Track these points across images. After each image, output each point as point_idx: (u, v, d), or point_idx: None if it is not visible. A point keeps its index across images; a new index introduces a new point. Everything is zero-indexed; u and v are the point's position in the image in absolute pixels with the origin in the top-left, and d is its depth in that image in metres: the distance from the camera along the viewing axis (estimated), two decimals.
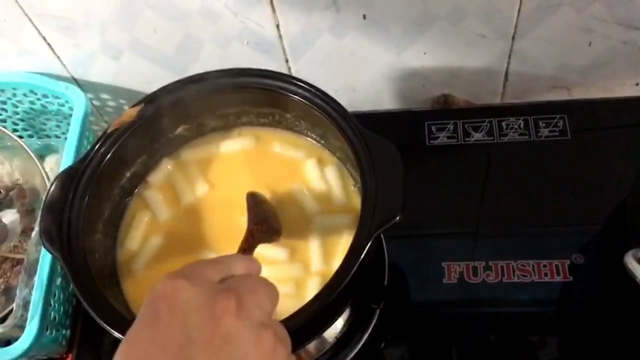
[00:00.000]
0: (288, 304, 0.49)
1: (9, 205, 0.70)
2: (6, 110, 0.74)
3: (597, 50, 0.69)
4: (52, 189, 0.53)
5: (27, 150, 0.66)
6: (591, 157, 0.69)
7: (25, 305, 0.59)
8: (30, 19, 0.66)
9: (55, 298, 0.62)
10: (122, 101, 0.79)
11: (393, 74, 0.74)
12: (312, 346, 0.58)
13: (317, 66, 0.72)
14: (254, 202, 0.53)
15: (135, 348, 0.32)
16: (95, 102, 0.79)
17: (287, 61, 0.72)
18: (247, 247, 0.49)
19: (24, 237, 0.67)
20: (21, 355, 0.57)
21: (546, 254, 0.63)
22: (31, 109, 0.74)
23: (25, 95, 0.72)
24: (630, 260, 0.53)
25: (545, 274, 0.62)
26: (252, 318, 0.33)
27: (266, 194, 0.58)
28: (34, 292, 0.59)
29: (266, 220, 0.52)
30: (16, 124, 0.76)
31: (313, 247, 0.55)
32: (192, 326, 0.31)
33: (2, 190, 0.70)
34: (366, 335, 0.59)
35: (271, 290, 0.37)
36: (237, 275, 0.37)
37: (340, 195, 0.57)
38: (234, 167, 0.60)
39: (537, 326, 0.61)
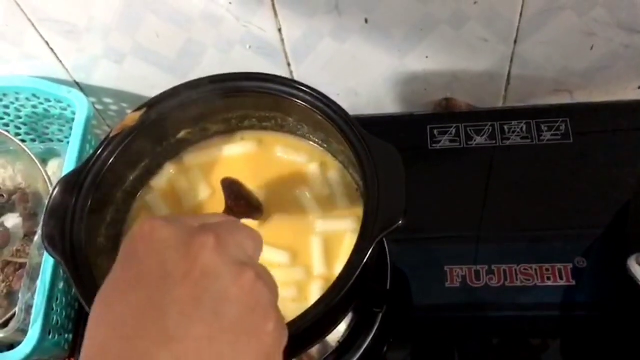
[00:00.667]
0: (290, 308, 0.49)
1: (12, 210, 0.70)
2: (9, 115, 0.75)
3: (599, 54, 0.69)
4: (54, 193, 0.53)
5: (29, 155, 0.66)
6: (594, 161, 0.69)
7: (28, 309, 0.59)
8: (32, 24, 0.67)
9: (58, 302, 0.62)
10: (124, 105, 0.79)
11: (395, 77, 0.74)
12: (314, 350, 0.57)
13: (319, 70, 0.72)
14: (229, 184, 0.53)
15: (113, 286, 0.31)
16: (98, 106, 0.79)
17: (289, 65, 0.72)
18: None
19: (27, 241, 0.67)
20: None
21: (549, 258, 0.63)
22: (34, 113, 0.74)
23: (27, 99, 0.72)
24: (633, 265, 0.53)
25: (548, 278, 0.62)
26: (231, 254, 0.32)
27: (268, 197, 0.58)
28: (36, 296, 0.59)
29: (243, 198, 0.52)
30: (19, 128, 0.76)
31: (315, 251, 0.55)
32: (169, 261, 0.30)
33: (4, 195, 0.70)
34: (369, 339, 0.59)
35: (253, 233, 0.36)
36: (219, 221, 0.36)
37: (342, 199, 0.57)
38: (237, 171, 0.60)
39: (540, 330, 0.61)
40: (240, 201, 0.51)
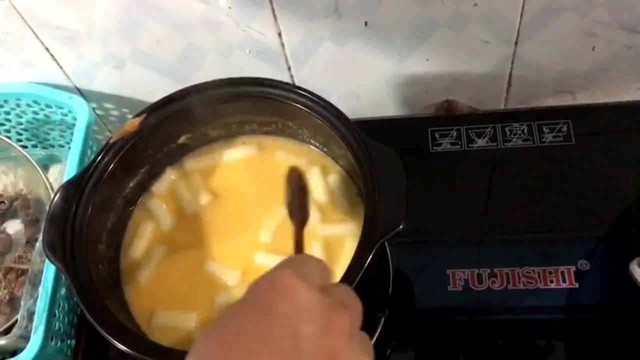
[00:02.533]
0: None
1: (14, 216, 0.70)
2: (10, 121, 0.75)
3: (601, 55, 0.69)
4: (55, 199, 0.53)
5: (30, 161, 0.66)
6: (596, 163, 0.69)
7: (30, 316, 0.59)
8: (33, 30, 0.67)
9: (60, 308, 0.62)
10: (125, 110, 0.79)
11: (396, 80, 0.74)
12: None
13: (320, 73, 0.72)
14: (293, 176, 0.48)
15: (242, 332, 0.30)
16: (99, 112, 0.80)
17: (289, 69, 0.72)
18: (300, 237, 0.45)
19: (29, 248, 0.67)
20: None
21: (552, 261, 0.63)
22: (35, 119, 0.74)
23: (28, 105, 0.72)
24: (635, 269, 0.52)
25: (551, 281, 0.62)
26: (359, 342, 0.32)
27: (269, 203, 0.57)
28: (38, 302, 0.59)
29: (304, 208, 0.47)
30: (20, 134, 0.76)
31: (316, 256, 0.54)
32: (304, 334, 0.30)
33: (6, 201, 0.70)
34: (371, 343, 0.58)
35: (359, 302, 0.35)
36: (333, 285, 0.35)
37: (343, 203, 0.57)
38: (237, 176, 0.60)
39: (543, 333, 0.60)
40: (302, 213, 0.47)
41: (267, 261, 0.54)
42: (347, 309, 0.32)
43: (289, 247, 0.55)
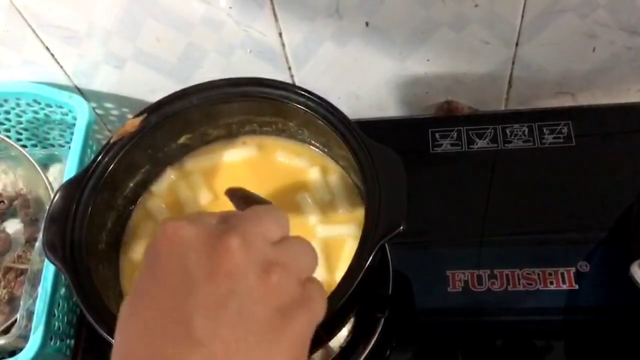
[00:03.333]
0: None
1: (13, 215, 0.70)
2: (10, 120, 0.75)
3: (602, 56, 0.69)
4: (55, 199, 0.53)
5: (30, 160, 0.66)
6: (596, 164, 0.69)
7: (29, 315, 0.59)
8: (33, 29, 0.67)
9: (59, 308, 0.62)
10: (125, 110, 0.79)
11: (396, 80, 0.74)
12: (317, 356, 0.57)
13: (320, 74, 0.72)
14: (234, 192, 0.50)
15: (138, 291, 0.31)
16: (99, 111, 0.79)
17: (289, 69, 0.72)
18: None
19: (28, 247, 0.67)
20: None
21: (552, 262, 0.63)
22: (35, 118, 0.74)
23: (28, 104, 0.72)
24: (636, 271, 0.52)
25: (551, 282, 0.62)
26: (256, 252, 0.31)
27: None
28: (37, 302, 0.59)
29: (253, 200, 0.48)
30: (20, 134, 0.76)
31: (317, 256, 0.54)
32: (192, 263, 0.30)
33: (5, 200, 0.70)
34: (371, 344, 0.59)
35: (279, 215, 0.35)
36: (238, 212, 0.35)
37: (343, 204, 0.57)
38: (238, 176, 0.60)
39: (543, 334, 0.60)
40: (251, 204, 0.50)
41: None
42: (233, 227, 0.32)
43: None
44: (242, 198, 0.50)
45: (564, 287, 0.61)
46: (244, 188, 0.52)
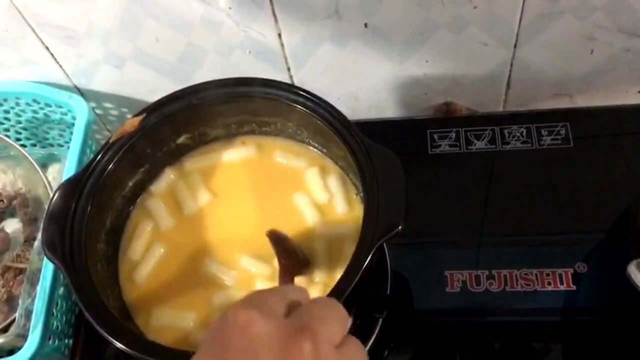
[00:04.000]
0: None
1: (12, 214, 0.70)
2: (9, 120, 0.75)
3: (600, 58, 0.69)
4: (54, 198, 0.53)
5: (29, 160, 0.66)
6: (594, 165, 0.69)
7: (28, 314, 0.59)
8: (33, 29, 0.67)
9: (58, 307, 0.62)
10: (124, 110, 0.79)
11: (395, 82, 0.74)
12: None
13: (319, 74, 0.72)
14: (277, 238, 0.53)
15: None
16: (98, 111, 0.80)
17: (289, 70, 0.72)
18: (285, 283, 0.49)
19: (27, 247, 0.67)
20: None
21: (549, 263, 0.63)
22: (34, 118, 0.74)
23: (28, 104, 0.73)
24: (633, 271, 0.53)
25: (549, 283, 0.62)
26: (323, 358, 0.31)
27: (269, 203, 0.58)
28: (36, 301, 0.59)
29: (295, 254, 0.52)
30: (19, 133, 0.76)
31: (315, 257, 0.55)
32: None
33: (5, 200, 0.70)
34: (369, 344, 0.59)
35: (342, 313, 0.35)
36: (305, 305, 0.34)
37: (342, 204, 0.57)
38: (236, 176, 0.60)
39: (541, 335, 0.60)
40: (293, 259, 0.51)
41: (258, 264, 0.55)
42: (307, 329, 0.31)
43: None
44: (286, 250, 0.51)
45: (562, 287, 0.61)
46: (288, 237, 0.53)
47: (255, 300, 0.32)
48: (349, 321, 0.35)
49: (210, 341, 0.31)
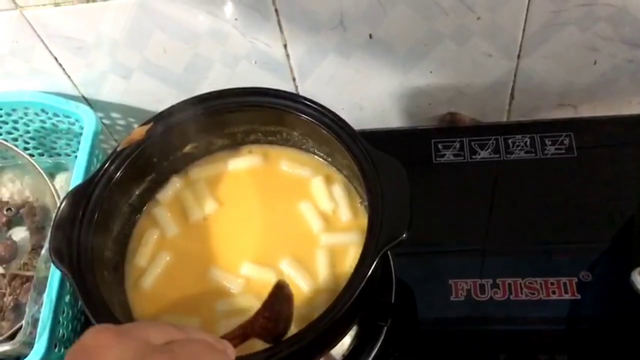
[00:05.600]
0: (296, 321, 0.49)
1: (19, 223, 0.70)
2: (17, 129, 0.75)
3: (603, 69, 0.69)
4: (62, 207, 0.53)
5: (37, 168, 0.67)
6: (597, 175, 0.69)
7: (34, 322, 0.59)
8: (42, 40, 0.68)
9: (64, 315, 0.62)
10: (131, 120, 0.80)
11: (399, 92, 0.74)
12: None
13: (324, 85, 0.73)
14: (278, 295, 0.49)
15: None
16: (105, 121, 0.80)
17: (294, 80, 0.73)
18: (239, 334, 0.46)
19: (34, 255, 0.67)
20: None
21: (554, 272, 0.63)
22: (42, 127, 0.75)
23: (36, 114, 0.73)
24: (636, 278, 0.53)
25: (553, 292, 0.62)
26: None
27: (274, 211, 0.58)
28: (42, 309, 0.59)
29: (276, 322, 0.48)
30: (27, 143, 0.77)
31: (320, 265, 0.55)
32: None
33: (12, 208, 0.70)
34: (373, 353, 0.59)
35: (219, 357, 0.32)
36: (185, 339, 0.31)
37: (347, 212, 0.57)
38: (242, 185, 0.61)
39: (545, 344, 0.60)
40: (270, 323, 0.47)
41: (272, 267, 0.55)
42: (166, 353, 0.28)
43: (291, 254, 0.55)
44: (272, 310, 0.47)
45: (567, 296, 0.61)
46: (290, 298, 0.49)
47: (125, 325, 0.30)
48: None
49: None
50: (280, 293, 0.49)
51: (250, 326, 0.46)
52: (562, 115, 0.76)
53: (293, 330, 0.47)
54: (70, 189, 0.56)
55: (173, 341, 0.31)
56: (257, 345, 0.46)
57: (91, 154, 0.68)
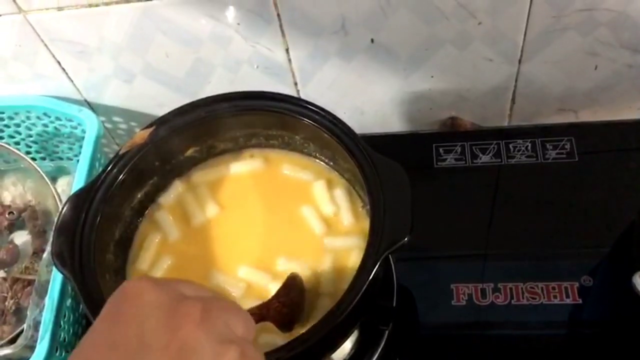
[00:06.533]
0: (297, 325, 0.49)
1: (21, 227, 0.70)
2: (20, 133, 0.76)
3: (603, 74, 0.69)
4: (64, 210, 0.53)
5: (39, 172, 0.67)
6: (598, 179, 0.69)
7: (36, 326, 0.59)
8: (45, 44, 0.68)
9: (65, 319, 0.63)
10: (133, 124, 0.80)
11: (401, 96, 0.75)
12: None
13: (326, 89, 0.73)
14: (293, 286, 0.51)
15: (90, 346, 0.30)
16: (107, 125, 0.80)
17: (296, 84, 0.73)
18: (257, 313, 0.47)
19: (36, 259, 0.67)
20: None
21: (555, 276, 0.63)
22: (44, 131, 0.75)
23: (38, 118, 0.73)
24: (638, 282, 0.53)
25: (555, 296, 0.62)
26: (215, 331, 0.30)
27: (276, 215, 0.58)
28: (44, 313, 0.59)
29: (291, 308, 0.50)
30: (29, 146, 0.77)
31: (322, 269, 0.55)
32: (149, 330, 0.29)
33: (14, 212, 0.70)
34: (375, 357, 0.59)
35: (246, 317, 0.34)
36: (215, 296, 0.34)
37: (348, 216, 0.57)
38: (244, 189, 0.61)
39: (547, 348, 0.60)
40: (285, 309, 0.48)
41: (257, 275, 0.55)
42: (199, 300, 0.31)
43: (293, 257, 0.55)
44: (286, 297, 0.49)
45: (568, 301, 0.61)
46: (302, 291, 0.51)
47: (160, 278, 0.32)
48: (253, 329, 0.34)
49: (105, 310, 0.32)
50: (293, 283, 0.51)
51: (266, 308, 0.48)
52: (563, 120, 0.76)
53: (293, 333, 0.47)
54: (72, 192, 0.57)
55: (204, 296, 0.33)
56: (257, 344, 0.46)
57: (93, 157, 0.68)
